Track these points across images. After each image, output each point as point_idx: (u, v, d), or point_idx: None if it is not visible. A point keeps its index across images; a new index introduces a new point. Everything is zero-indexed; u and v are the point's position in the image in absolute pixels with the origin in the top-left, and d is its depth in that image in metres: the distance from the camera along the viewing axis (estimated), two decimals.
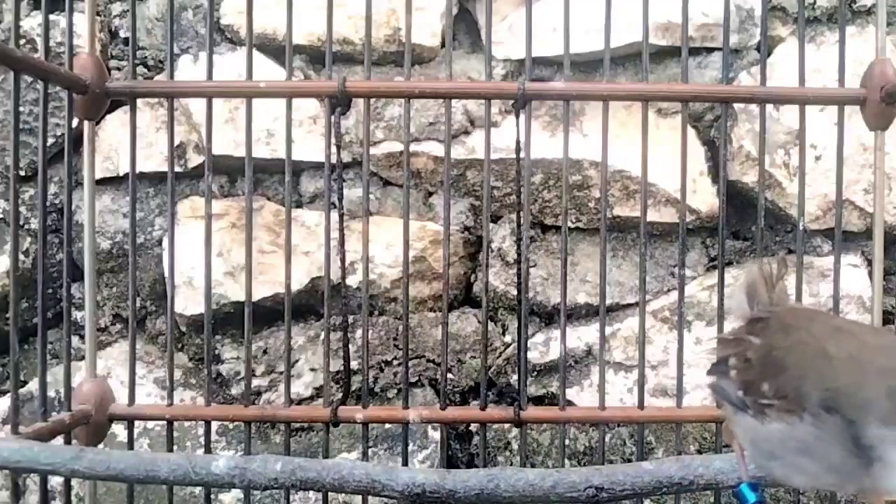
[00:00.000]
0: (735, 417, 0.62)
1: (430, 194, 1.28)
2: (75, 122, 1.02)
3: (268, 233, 1.24)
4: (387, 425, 1.24)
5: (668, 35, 1.22)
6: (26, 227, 1.27)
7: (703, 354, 1.20)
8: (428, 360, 1.27)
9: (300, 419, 1.07)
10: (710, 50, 1.25)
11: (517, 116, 1.02)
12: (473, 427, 1.27)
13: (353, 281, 1.19)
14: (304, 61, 1.27)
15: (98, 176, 1.20)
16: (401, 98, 1.10)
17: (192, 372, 1.29)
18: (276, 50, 1.23)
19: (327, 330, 1.04)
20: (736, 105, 1.20)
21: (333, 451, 1.21)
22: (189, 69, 1.25)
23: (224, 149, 1.20)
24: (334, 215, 1.03)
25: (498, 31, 1.24)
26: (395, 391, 1.26)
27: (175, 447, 1.13)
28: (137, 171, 1.04)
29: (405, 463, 1.04)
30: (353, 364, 1.10)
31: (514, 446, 1.26)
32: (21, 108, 1.03)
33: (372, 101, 1.07)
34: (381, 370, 1.27)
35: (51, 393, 1.13)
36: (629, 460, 1.23)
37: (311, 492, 1.21)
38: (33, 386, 1.22)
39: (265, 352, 1.26)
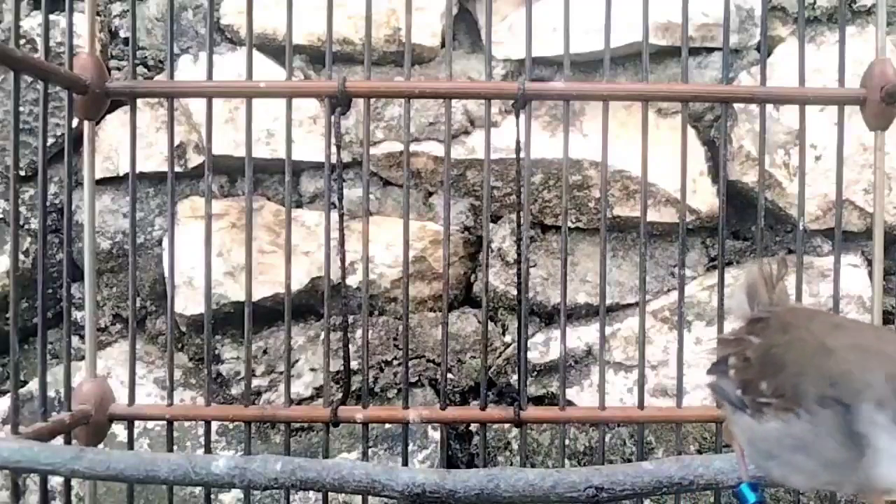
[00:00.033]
0: (734, 417, 0.62)
1: (430, 194, 1.28)
2: (75, 122, 1.02)
3: (268, 233, 1.24)
4: (387, 425, 1.24)
5: (668, 35, 1.22)
6: (26, 227, 1.27)
7: (703, 354, 1.20)
8: (428, 360, 1.27)
9: (300, 419, 1.07)
10: (710, 50, 1.25)
11: (517, 116, 1.02)
12: (473, 427, 1.27)
13: (353, 281, 1.19)
14: (304, 61, 1.27)
15: (98, 176, 1.20)
16: (401, 98, 1.10)
17: (192, 372, 1.29)
18: (276, 50, 1.23)
19: (327, 330, 1.04)
20: (736, 105, 1.20)
21: (333, 451, 1.21)
22: (189, 69, 1.25)
23: (224, 149, 1.20)
24: (334, 215, 1.03)
25: (498, 31, 1.24)
26: (395, 391, 1.26)
27: (175, 447, 1.13)
28: (137, 171, 1.04)
29: (405, 463, 1.04)
30: (353, 364, 1.10)
31: (514, 446, 1.26)
32: (21, 108, 1.02)
33: (372, 101, 1.07)
34: (381, 370, 1.27)
35: (51, 393, 1.13)
36: (629, 460, 1.23)
37: (311, 492, 1.21)
38: (33, 386, 1.22)
39: (265, 352, 1.27)
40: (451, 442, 1.27)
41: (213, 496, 1.14)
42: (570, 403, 1.17)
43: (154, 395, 1.27)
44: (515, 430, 1.24)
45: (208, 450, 1.05)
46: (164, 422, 1.04)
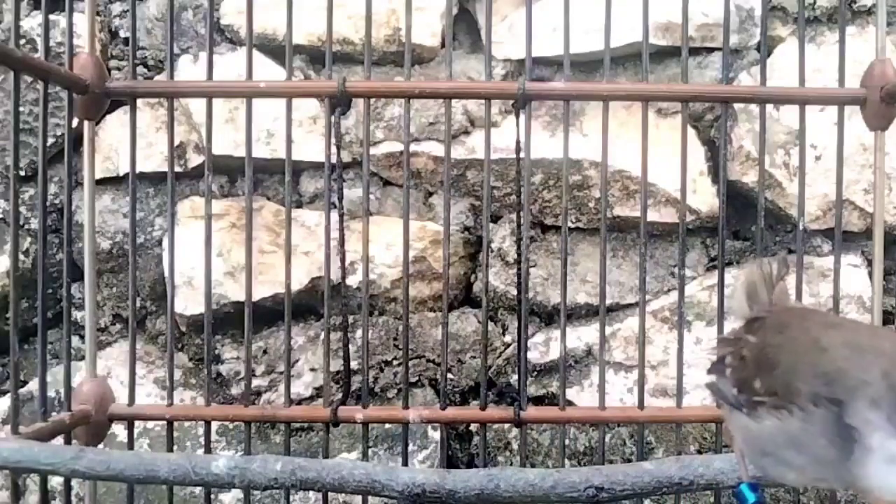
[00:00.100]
0: (731, 416, 0.62)
1: (430, 194, 1.28)
2: (75, 122, 1.01)
3: (268, 233, 1.24)
4: (387, 425, 1.24)
5: (668, 35, 1.22)
6: (26, 227, 1.27)
7: (703, 354, 1.20)
8: (428, 360, 1.27)
9: (300, 419, 1.08)
10: (710, 50, 1.25)
11: (517, 116, 1.02)
12: (473, 427, 1.27)
13: (353, 281, 1.19)
14: (304, 61, 1.27)
15: (98, 176, 1.20)
16: (401, 98, 1.09)
17: (192, 372, 1.29)
18: (276, 50, 1.23)
19: (327, 330, 1.04)
20: (736, 105, 1.20)
21: (333, 451, 1.21)
22: (189, 69, 1.25)
23: (224, 149, 1.20)
24: (334, 215, 1.03)
25: (498, 31, 1.24)
26: (395, 391, 1.26)
27: (175, 447, 1.13)
28: (137, 171, 1.04)
29: (405, 463, 1.04)
30: (353, 364, 1.10)
31: (514, 446, 1.26)
32: (21, 108, 1.02)
33: (372, 101, 1.07)
34: (381, 370, 1.27)
35: (51, 393, 1.13)
36: (629, 460, 1.23)
37: (311, 492, 1.21)
38: (33, 386, 1.22)
39: (265, 352, 1.27)
40: (451, 442, 1.27)
41: (213, 496, 1.14)
42: (570, 403, 1.17)
43: (154, 395, 1.27)
44: (515, 430, 1.24)
45: (208, 450, 1.05)
46: (164, 422, 1.04)
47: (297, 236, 1.20)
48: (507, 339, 1.27)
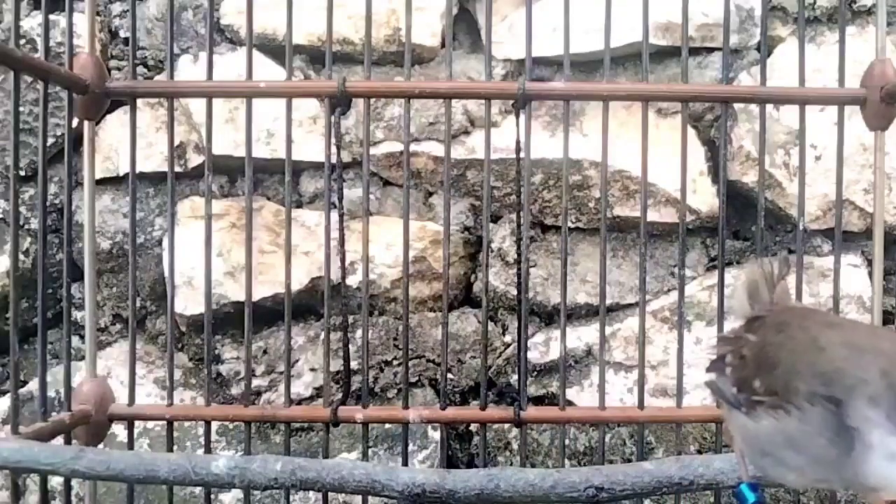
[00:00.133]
0: (730, 415, 0.63)
1: (430, 194, 1.28)
2: (75, 122, 1.01)
3: (268, 233, 1.24)
4: (387, 425, 1.24)
5: (668, 35, 1.22)
6: (26, 227, 1.27)
7: (703, 354, 1.20)
8: (428, 360, 1.27)
9: (300, 419, 1.07)
10: (710, 50, 1.25)
11: (517, 116, 1.02)
12: (473, 427, 1.27)
13: (353, 281, 1.19)
14: (304, 61, 1.27)
15: (98, 176, 1.20)
16: (401, 98, 1.09)
17: (192, 372, 1.29)
18: (276, 50, 1.23)
19: (327, 330, 1.04)
20: (736, 105, 1.20)
21: (333, 451, 1.21)
22: (189, 69, 1.25)
23: (224, 149, 1.20)
24: (334, 215, 1.03)
25: (498, 31, 1.24)
26: (395, 391, 1.26)
27: (175, 447, 1.13)
28: (137, 171, 1.04)
29: (405, 463, 1.04)
30: (353, 364, 1.10)
31: (514, 446, 1.26)
32: (21, 108, 1.02)
33: (372, 101, 1.07)
34: (381, 370, 1.27)
35: (51, 393, 1.13)
36: (629, 460, 1.23)
37: (311, 492, 1.21)
38: (33, 386, 1.22)
39: (265, 352, 1.27)
40: (451, 442, 1.27)
41: (213, 496, 1.14)
42: (570, 403, 1.17)
43: (154, 395, 1.27)
44: (515, 430, 1.24)
45: (208, 450, 1.05)
46: (164, 422, 1.04)
47: (297, 236, 1.20)
48: (507, 339, 1.27)
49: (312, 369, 1.26)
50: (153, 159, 1.25)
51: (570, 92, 1.03)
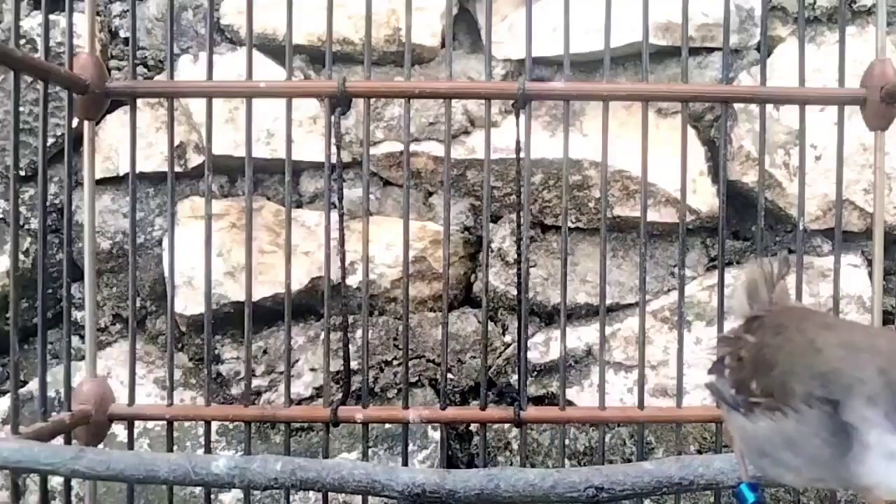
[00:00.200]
0: (729, 416, 0.63)
1: (430, 194, 1.28)
2: (75, 122, 1.01)
3: (268, 233, 1.24)
4: (387, 425, 1.24)
5: (668, 35, 1.22)
6: (26, 227, 1.27)
7: (702, 354, 1.20)
8: (428, 360, 1.27)
9: (300, 419, 1.07)
10: (710, 50, 1.25)
11: (517, 116, 1.02)
12: (473, 427, 1.27)
13: (353, 281, 1.19)
14: (304, 61, 1.27)
15: (98, 176, 1.20)
16: (401, 98, 1.09)
17: (192, 372, 1.29)
18: (276, 50, 1.23)
19: (327, 330, 1.04)
20: (736, 105, 1.20)
21: (333, 451, 1.21)
22: (189, 69, 1.25)
23: (224, 149, 1.20)
24: (334, 215, 1.03)
25: (498, 31, 1.24)
26: (395, 391, 1.26)
27: (175, 447, 1.13)
28: (137, 171, 1.04)
29: (405, 463, 1.04)
30: (353, 364, 1.10)
31: (514, 446, 1.26)
32: (21, 108, 1.02)
33: (372, 101, 1.07)
34: (381, 370, 1.27)
35: (51, 393, 1.13)
36: (629, 460, 1.23)
37: (311, 492, 1.21)
38: (33, 386, 1.22)
39: (265, 352, 1.27)
40: (451, 442, 1.27)
41: (213, 496, 1.14)
42: (570, 403, 1.17)
43: (154, 395, 1.27)
44: (515, 430, 1.24)
45: (208, 450, 1.05)
46: (164, 422, 1.04)
47: (297, 236, 1.20)
48: (507, 339, 1.27)
49: (312, 369, 1.26)
50: (153, 159, 1.25)
51: (570, 92, 1.03)
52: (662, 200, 1.22)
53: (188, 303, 1.23)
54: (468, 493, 0.70)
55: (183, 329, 1.27)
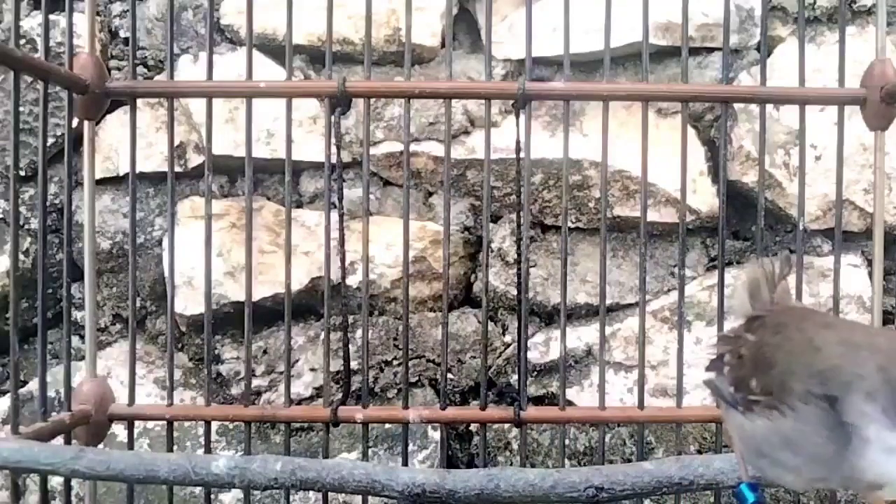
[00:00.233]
0: (728, 415, 0.63)
1: (430, 194, 1.28)
2: (75, 122, 1.01)
3: (268, 233, 1.24)
4: (387, 425, 1.24)
5: (668, 35, 1.22)
6: (26, 227, 1.27)
7: (703, 354, 1.20)
8: (428, 360, 1.27)
9: (300, 419, 1.07)
10: (710, 50, 1.25)
11: (517, 116, 1.02)
12: (473, 427, 1.27)
13: (353, 281, 1.19)
14: (304, 61, 1.27)
15: (98, 176, 1.20)
16: (401, 98, 1.09)
17: (192, 372, 1.29)
18: (276, 50, 1.23)
19: (327, 330, 1.04)
20: (736, 105, 1.20)
21: (333, 451, 1.21)
22: (189, 69, 1.25)
23: (224, 149, 1.20)
24: (334, 215, 1.03)
25: (498, 31, 1.24)
26: (395, 391, 1.26)
27: (175, 447, 1.13)
28: (137, 171, 1.04)
29: (405, 463, 1.04)
30: (353, 364, 1.10)
31: (514, 446, 1.26)
32: (21, 108, 1.02)
33: (372, 101, 1.07)
34: (381, 370, 1.27)
35: (51, 393, 1.13)
36: (629, 460, 1.23)
37: (311, 492, 1.21)
38: (33, 386, 1.22)
39: (265, 352, 1.26)
40: (451, 442, 1.27)
41: (213, 496, 1.14)
42: (570, 403, 1.17)
43: (154, 395, 1.27)
44: (515, 430, 1.24)
45: (208, 450, 1.05)
46: (164, 422, 1.04)
47: (297, 236, 1.20)
48: (507, 339, 1.27)
49: (312, 369, 1.26)
50: (153, 159, 1.25)
51: (570, 92, 1.03)
52: (662, 200, 1.22)
53: (188, 303, 1.23)
54: (468, 493, 0.70)
55: (183, 329, 1.27)
